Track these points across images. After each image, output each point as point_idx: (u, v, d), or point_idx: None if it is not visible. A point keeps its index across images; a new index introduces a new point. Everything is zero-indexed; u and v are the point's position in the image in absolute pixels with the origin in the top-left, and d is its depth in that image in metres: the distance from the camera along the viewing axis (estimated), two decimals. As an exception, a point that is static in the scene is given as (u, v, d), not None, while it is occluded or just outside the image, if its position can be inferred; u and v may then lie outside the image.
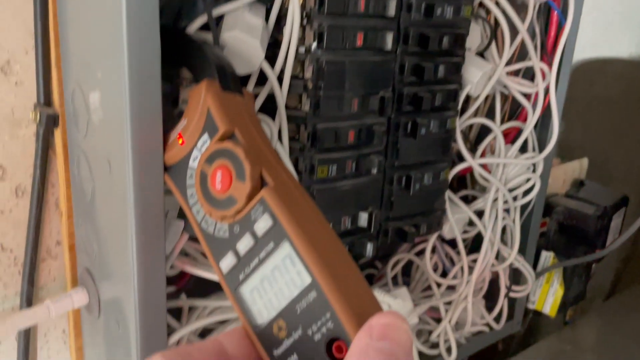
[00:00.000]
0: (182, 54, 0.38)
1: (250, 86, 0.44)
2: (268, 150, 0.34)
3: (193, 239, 0.44)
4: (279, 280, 0.30)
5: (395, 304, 0.52)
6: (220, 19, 0.42)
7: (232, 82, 0.36)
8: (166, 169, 0.36)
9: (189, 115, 0.35)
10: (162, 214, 0.37)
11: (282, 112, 0.44)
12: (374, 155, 0.49)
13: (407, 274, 0.68)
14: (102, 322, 0.44)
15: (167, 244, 0.40)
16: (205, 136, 0.34)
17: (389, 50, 0.47)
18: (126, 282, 0.38)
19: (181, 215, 0.42)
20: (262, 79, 0.44)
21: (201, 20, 0.41)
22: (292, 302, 0.29)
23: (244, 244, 0.31)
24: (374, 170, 0.50)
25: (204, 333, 0.49)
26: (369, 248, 0.52)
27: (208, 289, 0.49)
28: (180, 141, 0.35)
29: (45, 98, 0.44)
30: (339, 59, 0.44)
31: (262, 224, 0.30)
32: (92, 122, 0.38)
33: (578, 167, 0.75)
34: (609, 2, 0.91)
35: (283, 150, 0.45)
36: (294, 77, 0.45)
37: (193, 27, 0.41)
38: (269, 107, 0.45)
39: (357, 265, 0.30)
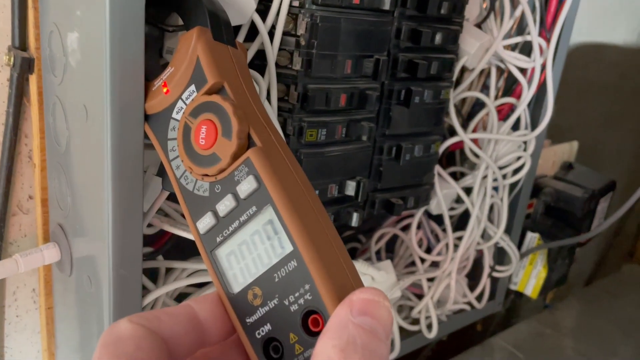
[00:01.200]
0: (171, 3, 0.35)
1: (240, 39, 0.41)
2: (258, 109, 0.32)
3: (173, 198, 0.42)
4: (258, 246, 0.29)
5: (379, 276, 0.51)
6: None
7: (225, 32, 0.34)
8: (147, 118, 0.34)
9: (176, 64, 0.33)
10: (141, 166, 0.35)
11: (272, 69, 0.42)
12: (365, 121, 0.47)
13: (390, 250, 0.66)
14: (74, 280, 0.42)
15: (144, 201, 0.38)
16: (192, 87, 0.32)
17: (386, 11, 0.45)
18: (101, 238, 0.36)
19: (162, 173, 0.40)
20: (252, 34, 0.42)
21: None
22: (270, 270, 0.28)
23: (225, 205, 0.30)
24: (365, 137, 0.48)
25: (181, 297, 0.47)
26: (355, 218, 0.50)
27: (186, 252, 0.47)
28: (164, 90, 0.33)
29: (21, 41, 0.41)
30: (334, 16, 0.42)
31: (246, 186, 0.29)
32: (70, 66, 0.36)
33: (568, 150, 0.75)
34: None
35: (271, 111, 0.43)
36: (285, 33, 0.42)
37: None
38: (258, 64, 0.43)
39: (340, 238, 0.29)
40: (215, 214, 0.30)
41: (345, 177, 0.49)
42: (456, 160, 0.67)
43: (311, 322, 0.27)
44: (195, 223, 0.31)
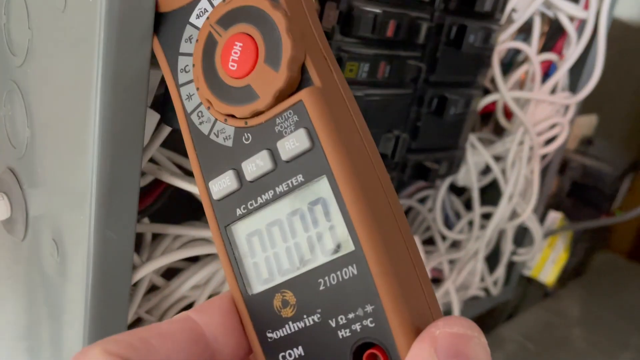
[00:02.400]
0: None
1: None
2: (317, 30, 0.22)
3: (168, 143, 0.31)
4: (298, 233, 0.20)
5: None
6: None
7: None
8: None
9: None
10: (146, 82, 0.24)
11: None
12: (412, 60, 0.38)
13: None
14: (28, 247, 0.31)
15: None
16: None
17: None
18: (78, 186, 0.25)
19: (163, 105, 0.29)
20: None
21: None
22: (313, 272, 0.19)
23: (256, 165, 0.20)
24: (407, 81, 0.39)
25: (170, 273, 0.36)
26: (387, 181, 0.41)
27: (178, 217, 0.36)
28: None
29: None
30: None
31: (292, 143, 0.20)
32: None
33: (587, 124, 0.68)
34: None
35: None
36: None
37: None
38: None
39: (414, 239, 0.20)
40: (239, 174, 0.21)
41: (381, 130, 0.39)
42: (475, 126, 0.59)
43: (367, 359, 0.18)
44: (208, 183, 0.21)
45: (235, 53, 0.20)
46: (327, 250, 0.19)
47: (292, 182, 0.20)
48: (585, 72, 0.54)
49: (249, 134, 0.21)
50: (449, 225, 0.56)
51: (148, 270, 0.31)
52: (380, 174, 0.20)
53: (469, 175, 0.51)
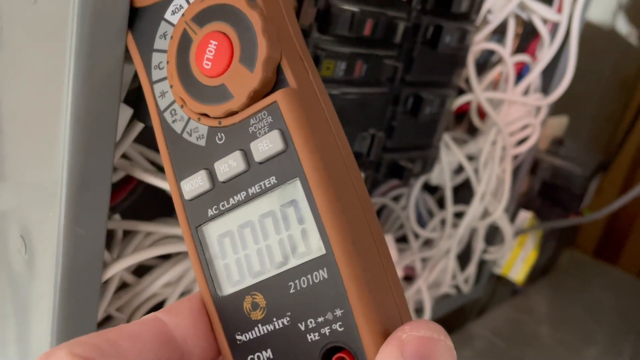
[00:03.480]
0: None
1: None
2: (294, 30, 0.21)
3: (140, 138, 0.31)
4: (270, 235, 0.20)
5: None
6: None
7: None
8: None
9: None
10: (120, 75, 0.24)
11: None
12: (389, 59, 0.38)
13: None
14: (-6, 243, 0.30)
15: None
16: None
17: None
18: (48, 179, 0.25)
19: (137, 100, 0.29)
20: None
21: None
22: (284, 275, 0.19)
23: (228, 165, 0.20)
24: (384, 80, 0.39)
25: (141, 271, 0.36)
26: (361, 180, 0.41)
27: (150, 213, 0.36)
28: None
29: None
30: None
31: (266, 144, 0.19)
32: None
33: (558, 124, 0.69)
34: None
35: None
36: None
37: None
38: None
39: (385, 242, 0.20)
40: (212, 175, 0.21)
41: (357, 129, 0.39)
42: (449, 125, 0.59)
43: None
44: (179, 182, 0.21)
45: (210, 51, 0.20)
46: (299, 253, 0.19)
47: (264, 183, 0.20)
48: (557, 74, 0.55)
49: (222, 134, 0.20)
50: (422, 223, 0.56)
51: (119, 268, 0.31)
52: (353, 177, 0.20)
53: (442, 174, 0.51)
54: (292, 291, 0.19)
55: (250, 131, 0.20)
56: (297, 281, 0.19)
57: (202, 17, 0.20)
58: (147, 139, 0.31)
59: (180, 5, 0.22)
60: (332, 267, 0.18)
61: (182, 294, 0.36)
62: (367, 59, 0.37)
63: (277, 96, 0.19)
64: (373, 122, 0.40)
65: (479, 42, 0.50)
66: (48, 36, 0.23)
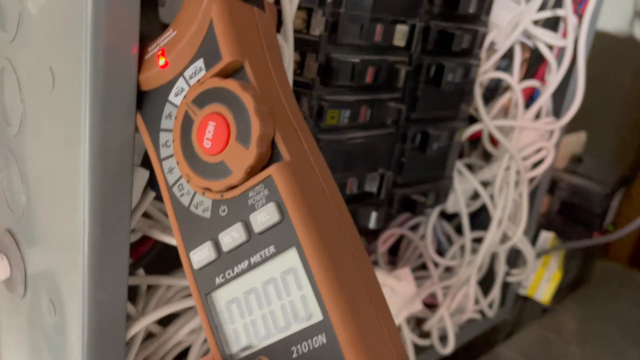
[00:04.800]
0: None
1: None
2: (288, 101, 0.23)
3: (159, 197, 0.33)
4: (273, 301, 0.21)
5: (400, 287, 0.43)
6: None
7: None
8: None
9: (180, 26, 0.24)
10: (132, 154, 0.25)
11: (289, 31, 0.33)
12: (392, 102, 0.39)
13: (392, 251, 0.59)
14: (29, 303, 0.32)
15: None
16: (200, 63, 0.23)
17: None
18: (71, 249, 0.26)
19: (147, 163, 0.31)
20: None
21: None
22: (287, 339, 0.21)
23: (231, 236, 0.22)
24: (390, 122, 0.40)
25: (165, 319, 0.38)
26: (374, 218, 0.42)
27: (170, 266, 0.38)
28: (161, 61, 0.24)
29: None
30: (369, -33, 0.34)
31: (263, 216, 0.21)
32: (28, 14, 0.26)
33: (576, 142, 0.69)
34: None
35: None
36: (304, -13, 0.34)
37: None
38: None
39: (385, 300, 0.21)
40: (217, 245, 0.22)
41: (366, 170, 0.40)
42: (464, 151, 0.60)
43: None
44: (189, 253, 0.23)
45: (209, 132, 0.22)
46: (300, 318, 0.20)
47: (264, 252, 0.21)
48: (568, 96, 0.55)
49: (225, 206, 0.22)
50: (441, 250, 0.57)
51: (144, 324, 0.33)
52: (350, 241, 0.21)
53: (457, 202, 0.52)
54: (294, 356, 0.20)
55: (250, 203, 0.21)
56: (299, 346, 0.20)
57: (201, 99, 0.22)
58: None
59: (182, 88, 0.23)
60: (330, 332, 0.19)
61: (206, 340, 0.38)
62: (371, 104, 0.38)
63: (272, 170, 0.21)
64: (381, 162, 0.41)
65: (487, 72, 0.50)
66: (65, 118, 0.25)
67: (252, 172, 0.21)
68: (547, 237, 0.62)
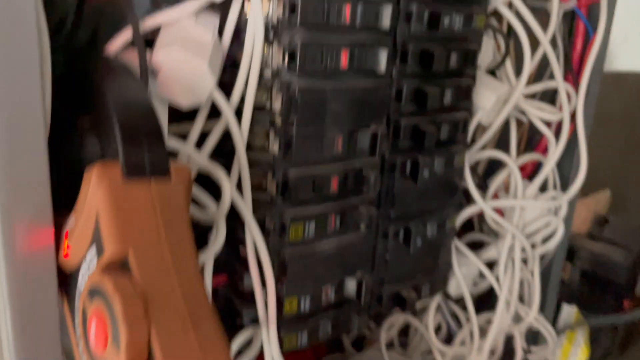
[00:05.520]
0: (83, 96, 0.26)
1: (199, 122, 0.33)
2: (186, 285, 0.22)
3: None
4: None
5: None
6: (155, 34, 0.31)
7: (150, 154, 0.23)
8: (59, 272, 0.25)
9: (77, 212, 0.24)
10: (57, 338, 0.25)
11: (241, 155, 0.33)
12: (363, 206, 0.38)
13: (404, 334, 0.57)
14: None
15: None
16: (93, 250, 0.23)
17: (382, 73, 0.36)
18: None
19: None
20: (217, 109, 0.33)
21: (127, 35, 0.30)
22: None
23: None
24: (363, 226, 0.39)
25: None
26: (356, 323, 0.41)
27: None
28: (66, 244, 0.24)
29: None
30: (317, 86, 0.33)
31: None
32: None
33: (600, 201, 0.65)
34: (629, 12, 0.82)
35: (244, 206, 0.34)
36: (257, 108, 0.34)
37: (115, 46, 0.30)
38: (227, 146, 0.34)
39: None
40: None
41: (343, 275, 0.39)
42: (472, 225, 0.57)
43: None
44: None
45: (93, 330, 0.21)
46: None
47: None
48: (574, 166, 0.52)
49: None
50: (451, 333, 0.54)
51: None
52: None
53: (459, 286, 0.50)
54: None
55: None
56: None
57: (91, 294, 0.22)
58: None
59: (85, 274, 0.23)
60: None
61: None
62: (341, 211, 0.37)
63: None
64: (359, 264, 0.40)
65: (477, 152, 0.49)
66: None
67: None
68: (570, 311, 0.58)
